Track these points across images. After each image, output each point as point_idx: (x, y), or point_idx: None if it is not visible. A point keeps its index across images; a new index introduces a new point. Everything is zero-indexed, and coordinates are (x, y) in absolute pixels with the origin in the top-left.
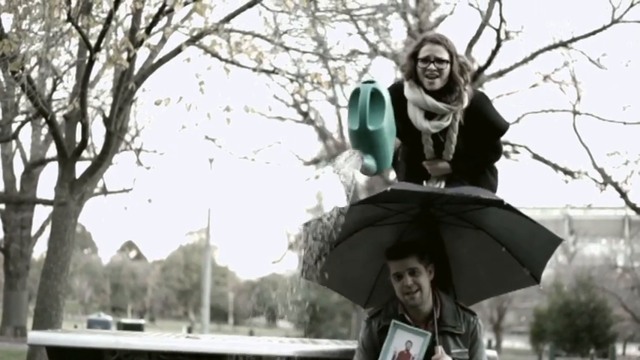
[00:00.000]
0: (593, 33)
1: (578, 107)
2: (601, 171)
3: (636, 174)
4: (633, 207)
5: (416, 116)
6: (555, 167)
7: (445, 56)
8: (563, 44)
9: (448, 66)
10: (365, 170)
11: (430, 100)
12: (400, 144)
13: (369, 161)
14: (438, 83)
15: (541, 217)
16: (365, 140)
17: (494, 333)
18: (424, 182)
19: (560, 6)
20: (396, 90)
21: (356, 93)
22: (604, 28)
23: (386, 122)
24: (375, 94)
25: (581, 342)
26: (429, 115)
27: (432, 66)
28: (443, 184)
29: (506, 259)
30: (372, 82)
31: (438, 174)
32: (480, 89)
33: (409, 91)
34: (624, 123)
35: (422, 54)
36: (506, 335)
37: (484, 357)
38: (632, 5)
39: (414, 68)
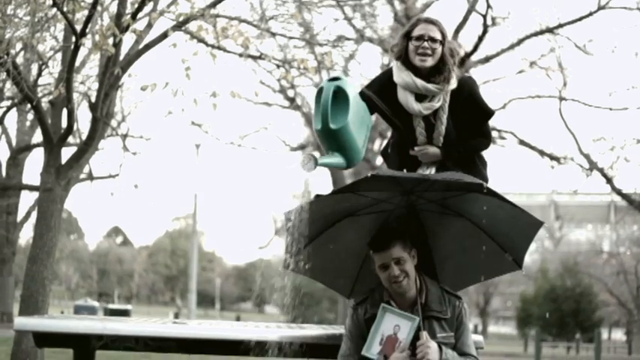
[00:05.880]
0: (580, 19)
1: (564, 93)
2: (587, 157)
3: (622, 160)
4: (619, 192)
5: (407, 99)
6: (541, 153)
7: (438, 36)
8: (550, 30)
9: (440, 46)
10: (334, 167)
11: (420, 82)
12: (391, 135)
13: (334, 159)
14: (430, 62)
15: (527, 203)
16: (330, 138)
17: (480, 318)
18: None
19: None
20: (389, 76)
21: (320, 92)
22: (590, 14)
23: (351, 117)
24: (340, 92)
25: (566, 327)
26: (420, 97)
27: (425, 44)
28: (433, 171)
29: (488, 245)
30: (336, 78)
31: (428, 160)
32: (466, 74)
33: (398, 76)
34: (610, 109)
35: (416, 32)
36: (492, 320)
37: (470, 340)
38: None
39: (405, 47)
